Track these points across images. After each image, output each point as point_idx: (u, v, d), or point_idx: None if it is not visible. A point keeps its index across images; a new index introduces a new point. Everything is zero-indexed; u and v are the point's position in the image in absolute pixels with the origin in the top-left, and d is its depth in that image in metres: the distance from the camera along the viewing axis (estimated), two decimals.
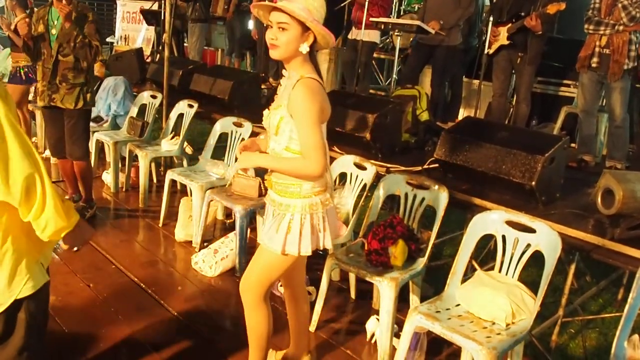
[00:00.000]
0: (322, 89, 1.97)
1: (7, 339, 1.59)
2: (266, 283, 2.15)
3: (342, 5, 6.00)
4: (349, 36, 6.20)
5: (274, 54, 1.87)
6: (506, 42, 4.54)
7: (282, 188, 2.02)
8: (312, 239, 2.00)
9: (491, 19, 4.67)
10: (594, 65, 3.95)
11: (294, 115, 1.89)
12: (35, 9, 3.78)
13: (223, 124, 4.14)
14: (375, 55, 7.31)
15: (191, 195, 3.89)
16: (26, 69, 5.35)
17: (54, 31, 3.64)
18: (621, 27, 3.77)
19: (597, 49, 3.92)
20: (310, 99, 1.87)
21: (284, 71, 2.03)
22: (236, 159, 1.99)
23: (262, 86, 5.91)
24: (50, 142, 3.98)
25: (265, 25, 1.95)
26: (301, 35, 1.86)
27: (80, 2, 3.76)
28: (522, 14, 4.41)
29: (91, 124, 4.32)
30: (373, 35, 5.76)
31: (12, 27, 5.36)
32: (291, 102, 1.88)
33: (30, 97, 5.66)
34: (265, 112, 2.05)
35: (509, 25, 4.49)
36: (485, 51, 4.72)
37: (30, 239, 1.54)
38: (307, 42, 1.88)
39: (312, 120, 1.87)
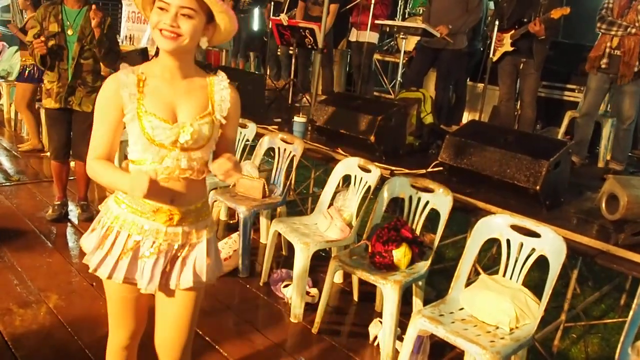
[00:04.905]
0: None
1: None
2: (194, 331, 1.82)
3: (347, 7, 6.02)
4: (350, 38, 6.22)
5: (170, 45, 1.48)
6: (510, 49, 4.54)
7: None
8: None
9: (497, 22, 4.67)
10: (603, 66, 3.94)
11: (235, 119, 1.69)
12: (43, 5, 3.68)
13: None
14: (379, 57, 7.33)
15: None
16: (34, 69, 5.35)
17: (70, 32, 3.56)
18: (634, 30, 3.75)
19: (607, 50, 3.90)
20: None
21: (162, 68, 1.58)
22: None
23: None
24: (56, 145, 3.84)
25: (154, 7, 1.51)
26: (204, 26, 1.54)
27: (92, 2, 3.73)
28: (525, 20, 4.41)
29: None
30: (372, 37, 5.78)
31: (22, 26, 5.39)
32: (232, 106, 1.64)
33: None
34: (178, 124, 1.56)
35: (512, 31, 4.50)
36: (490, 57, 4.73)
37: None
38: (207, 36, 1.57)
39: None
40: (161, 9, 1.47)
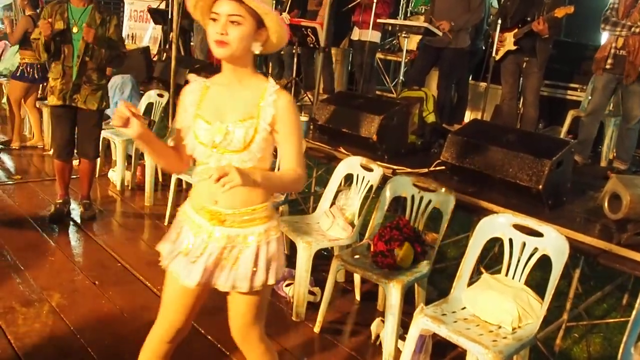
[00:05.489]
0: None
1: None
2: (263, 320, 1.90)
3: (349, 6, 6.01)
4: (352, 37, 6.22)
5: (221, 52, 1.56)
6: (513, 48, 4.54)
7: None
8: None
9: (499, 21, 4.67)
10: (608, 66, 3.93)
11: (287, 127, 1.66)
12: (50, 4, 3.69)
13: None
14: (381, 56, 7.33)
15: None
16: (29, 69, 5.34)
17: (75, 29, 3.57)
18: (638, 30, 3.74)
19: (612, 51, 3.90)
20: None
21: (219, 75, 1.70)
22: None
23: None
24: (59, 143, 3.83)
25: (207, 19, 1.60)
26: (255, 32, 1.58)
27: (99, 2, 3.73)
28: (528, 18, 4.40)
29: None
30: (374, 36, 5.77)
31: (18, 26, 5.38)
32: (279, 114, 1.62)
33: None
34: (215, 125, 1.63)
35: (516, 30, 4.49)
36: (492, 56, 4.72)
37: None
38: (259, 41, 1.61)
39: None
40: (214, 19, 1.56)
